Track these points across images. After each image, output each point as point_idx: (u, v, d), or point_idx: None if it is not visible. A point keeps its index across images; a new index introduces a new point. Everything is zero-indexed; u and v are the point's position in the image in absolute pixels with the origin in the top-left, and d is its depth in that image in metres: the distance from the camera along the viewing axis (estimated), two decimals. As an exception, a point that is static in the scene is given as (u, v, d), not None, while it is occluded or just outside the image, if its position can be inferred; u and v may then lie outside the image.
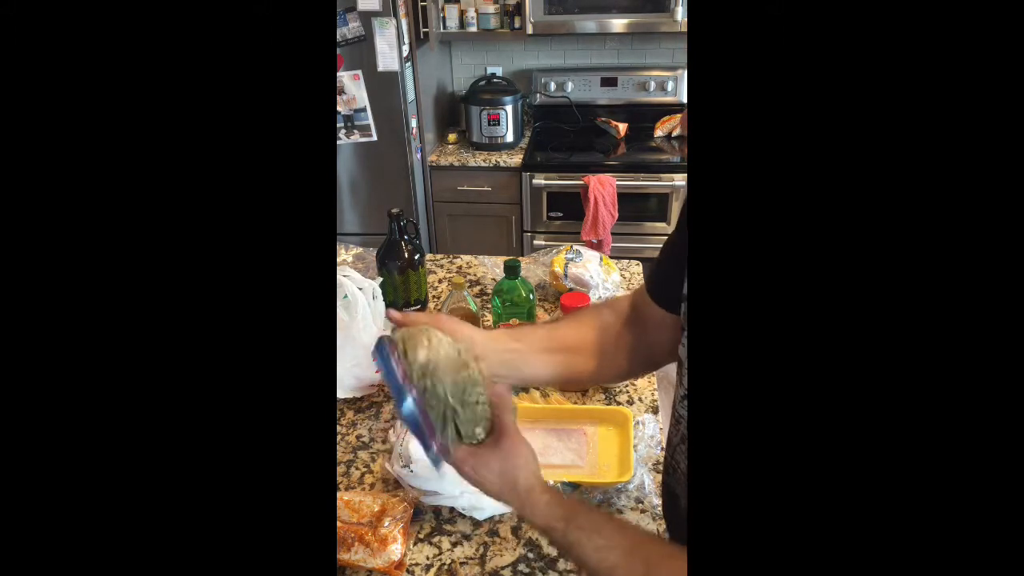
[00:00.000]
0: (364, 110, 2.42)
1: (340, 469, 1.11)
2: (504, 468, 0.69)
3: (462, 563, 0.94)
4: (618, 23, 2.55)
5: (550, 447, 1.12)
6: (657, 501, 1.01)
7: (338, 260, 1.68)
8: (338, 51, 2.33)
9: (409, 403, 0.65)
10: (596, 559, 0.63)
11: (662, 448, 1.11)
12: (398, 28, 2.30)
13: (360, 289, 1.30)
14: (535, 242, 2.71)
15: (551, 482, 0.80)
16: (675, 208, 2.56)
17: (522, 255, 2.27)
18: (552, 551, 0.94)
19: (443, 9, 2.65)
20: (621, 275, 1.62)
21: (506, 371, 0.78)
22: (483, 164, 2.64)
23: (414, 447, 1.01)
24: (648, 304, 0.81)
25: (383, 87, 2.38)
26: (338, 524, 0.94)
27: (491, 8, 2.65)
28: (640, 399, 1.24)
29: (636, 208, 2.58)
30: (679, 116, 2.77)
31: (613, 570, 0.63)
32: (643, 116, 2.85)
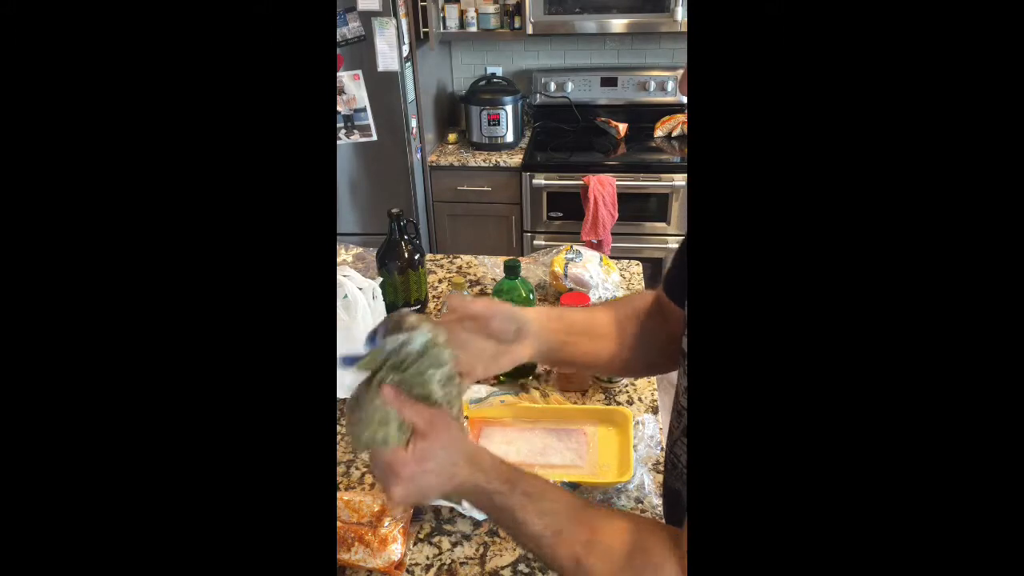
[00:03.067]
0: (364, 110, 2.42)
1: (340, 469, 1.11)
2: (445, 444, 0.64)
3: (462, 563, 0.94)
4: (618, 23, 2.55)
5: (550, 447, 1.12)
6: (657, 501, 1.01)
7: (338, 260, 1.68)
8: (338, 51, 2.33)
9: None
10: (541, 524, 0.62)
11: (662, 448, 1.11)
12: (398, 28, 2.30)
13: (360, 289, 1.30)
14: (535, 242, 2.71)
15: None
16: (675, 208, 2.56)
17: (522, 255, 2.27)
18: (552, 551, 0.94)
19: (443, 9, 2.65)
20: (621, 275, 1.62)
21: (555, 354, 0.80)
22: (483, 164, 2.64)
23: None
24: (667, 301, 0.83)
25: (383, 87, 2.38)
26: (338, 524, 0.94)
27: (491, 8, 2.65)
28: (640, 399, 1.24)
29: (636, 208, 2.58)
30: (679, 116, 2.77)
31: (558, 535, 0.61)
32: (643, 116, 2.85)
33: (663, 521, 0.87)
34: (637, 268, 1.69)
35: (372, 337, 0.67)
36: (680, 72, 2.80)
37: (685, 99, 2.82)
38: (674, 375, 0.76)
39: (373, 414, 0.64)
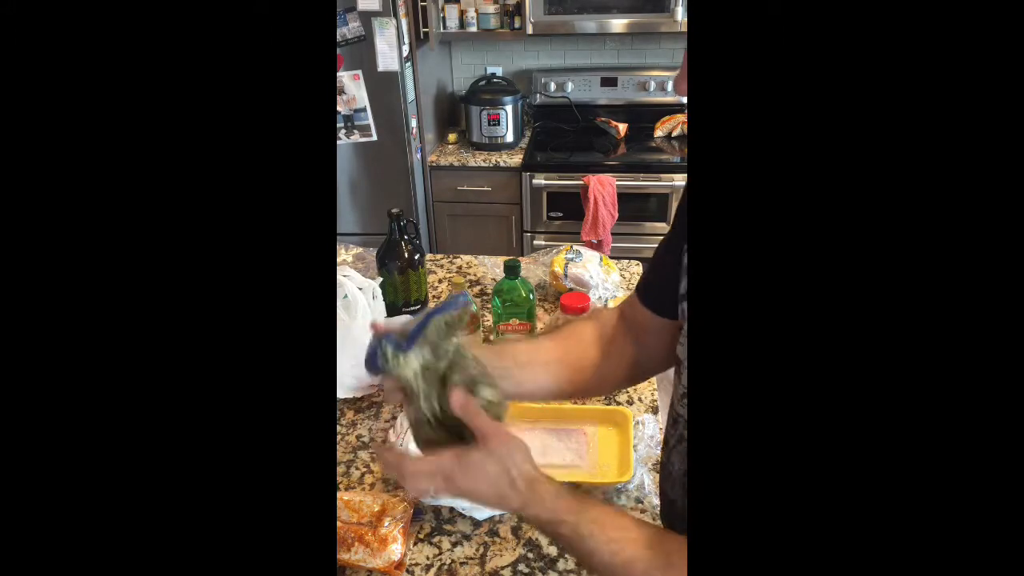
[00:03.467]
0: (364, 110, 2.42)
1: (340, 469, 1.11)
2: (499, 466, 0.63)
3: (462, 563, 0.94)
4: (618, 23, 2.55)
5: (550, 447, 1.12)
6: (657, 501, 1.01)
7: (338, 260, 1.68)
8: (338, 51, 2.33)
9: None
10: (610, 552, 0.60)
11: (662, 448, 1.11)
12: (398, 28, 2.30)
13: (360, 289, 1.30)
14: (535, 242, 2.71)
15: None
16: (675, 208, 2.56)
17: (522, 255, 2.27)
18: (552, 551, 0.94)
19: (443, 9, 2.65)
20: (621, 275, 1.62)
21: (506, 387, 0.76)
22: (483, 164, 2.64)
23: (414, 447, 1.01)
24: (638, 311, 0.80)
25: (383, 87, 2.38)
26: (338, 524, 0.94)
27: (491, 8, 2.65)
28: (640, 399, 1.24)
29: (636, 208, 2.58)
30: (679, 116, 2.77)
31: (630, 564, 0.60)
32: (643, 116, 2.84)
33: (660, 520, 0.87)
34: (637, 268, 1.69)
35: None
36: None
37: (684, 98, 2.81)
38: (673, 375, 0.75)
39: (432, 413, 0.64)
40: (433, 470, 0.63)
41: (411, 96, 2.48)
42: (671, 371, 0.76)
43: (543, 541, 0.96)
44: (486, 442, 0.64)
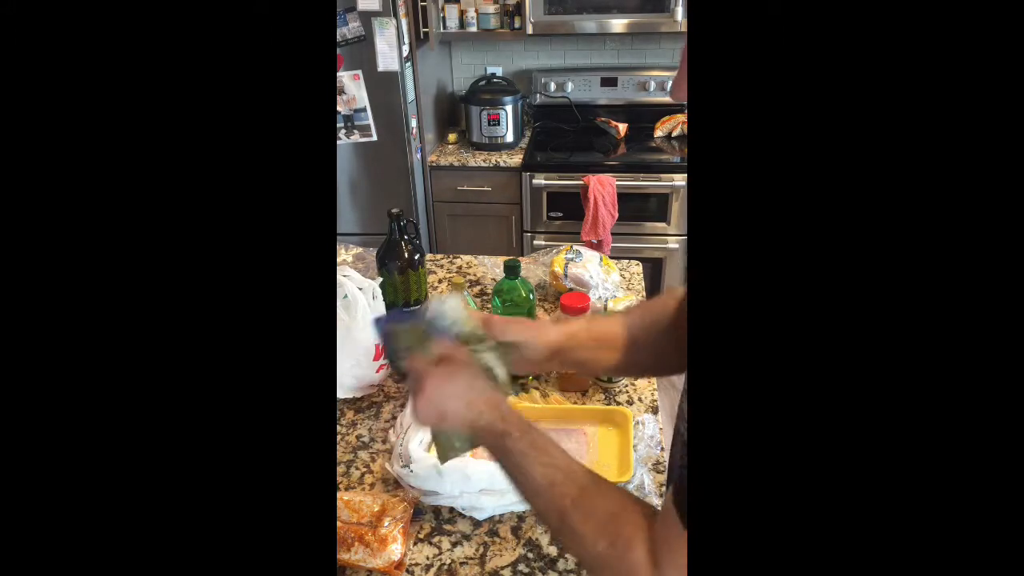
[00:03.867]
0: (364, 110, 2.42)
1: (340, 469, 1.11)
2: (471, 375, 0.73)
3: (462, 563, 0.94)
4: (618, 23, 2.55)
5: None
6: (657, 501, 1.01)
7: (338, 260, 1.68)
8: (338, 51, 2.33)
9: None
10: (540, 474, 0.66)
11: (662, 448, 1.11)
12: (398, 28, 2.30)
13: (360, 289, 1.30)
14: (535, 242, 2.71)
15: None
16: (675, 208, 2.56)
17: (522, 255, 2.27)
18: (552, 551, 0.94)
19: (443, 9, 2.65)
20: (621, 275, 1.62)
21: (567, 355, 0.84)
22: (483, 164, 2.64)
23: (414, 447, 1.01)
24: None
25: (383, 87, 2.38)
26: (338, 524, 0.94)
27: (491, 8, 2.65)
28: (640, 399, 1.24)
29: (636, 208, 2.58)
30: (679, 116, 2.77)
31: (552, 487, 0.65)
32: (643, 116, 2.84)
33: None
34: (637, 268, 1.69)
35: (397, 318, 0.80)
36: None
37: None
38: (675, 375, 0.76)
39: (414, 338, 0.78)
40: (417, 374, 0.73)
41: (411, 96, 2.48)
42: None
43: (543, 541, 0.96)
44: (456, 358, 0.75)
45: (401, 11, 2.32)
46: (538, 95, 2.92)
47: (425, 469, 0.98)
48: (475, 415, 0.71)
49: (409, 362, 0.76)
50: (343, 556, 0.91)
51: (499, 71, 2.98)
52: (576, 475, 0.66)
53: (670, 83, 2.77)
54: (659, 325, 0.85)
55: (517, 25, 2.64)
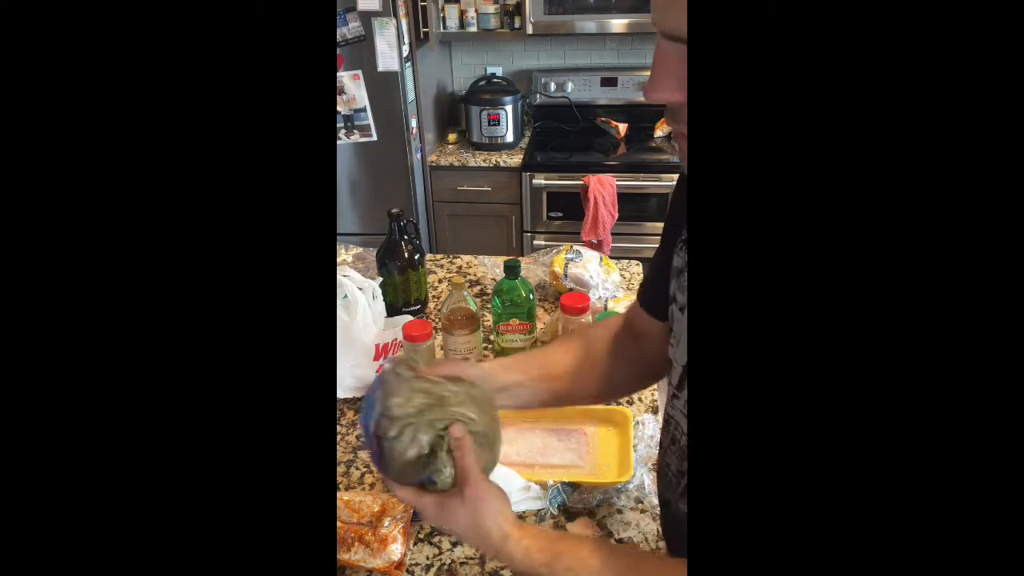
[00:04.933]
0: (364, 110, 2.42)
1: (340, 469, 1.11)
2: (473, 520, 0.66)
3: (462, 563, 0.94)
4: (618, 23, 2.55)
5: (550, 447, 1.12)
6: (657, 501, 1.01)
7: (338, 260, 1.68)
8: (338, 51, 2.33)
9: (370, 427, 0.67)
10: None
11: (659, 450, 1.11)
12: (398, 28, 2.30)
13: (360, 289, 1.30)
14: (535, 242, 2.71)
15: (533, 515, 0.80)
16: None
17: (522, 255, 2.27)
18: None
19: (443, 9, 2.65)
20: (621, 275, 1.62)
21: (505, 399, 0.78)
22: (483, 164, 2.64)
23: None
24: (640, 316, 0.81)
25: (383, 87, 2.38)
26: (338, 524, 0.94)
27: (491, 8, 2.65)
28: (640, 399, 1.24)
29: (636, 208, 2.58)
30: (679, 116, 2.76)
31: None
32: (643, 116, 2.84)
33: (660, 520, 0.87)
34: (637, 268, 1.69)
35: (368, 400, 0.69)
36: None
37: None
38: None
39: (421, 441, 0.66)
40: (415, 504, 0.68)
41: (411, 96, 2.48)
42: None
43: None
44: (463, 489, 0.66)
45: (401, 11, 2.32)
46: (538, 95, 2.92)
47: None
48: (491, 555, 0.66)
49: (400, 493, 0.69)
50: (343, 556, 0.91)
51: (499, 71, 2.98)
52: (634, 568, 0.62)
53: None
54: (608, 347, 0.83)
55: (517, 25, 2.64)
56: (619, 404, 1.22)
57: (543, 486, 1.02)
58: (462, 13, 2.67)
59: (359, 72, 2.36)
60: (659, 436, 1.12)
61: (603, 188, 2.49)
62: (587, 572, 0.62)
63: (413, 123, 2.51)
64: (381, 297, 1.38)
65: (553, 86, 2.88)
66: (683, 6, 0.46)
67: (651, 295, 0.79)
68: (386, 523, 0.93)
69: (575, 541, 0.67)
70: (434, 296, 1.59)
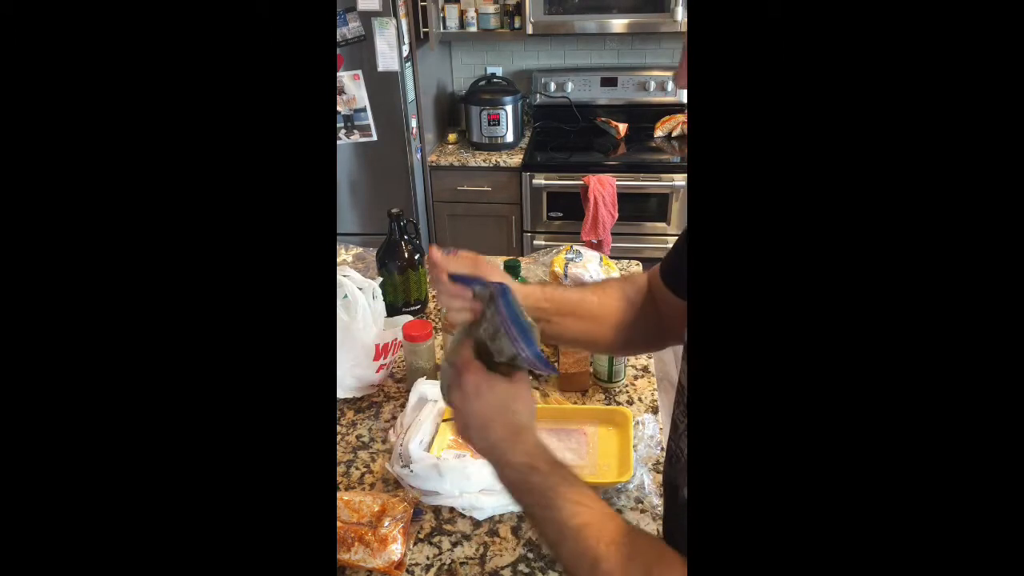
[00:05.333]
0: (364, 110, 2.42)
1: (340, 469, 1.11)
2: (508, 399, 0.68)
3: (462, 563, 0.94)
4: (618, 23, 2.55)
5: (550, 447, 1.12)
6: (657, 501, 1.01)
7: (338, 260, 1.68)
8: (338, 51, 2.33)
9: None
10: (569, 511, 0.60)
11: (662, 448, 1.11)
12: (398, 28, 2.30)
13: (360, 289, 1.30)
14: (535, 242, 2.71)
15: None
16: (675, 208, 2.56)
17: (522, 255, 2.27)
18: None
19: (443, 9, 2.65)
20: (621, 275, 1.62)
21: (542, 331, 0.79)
22: (483, 164, 2.64)
23: (414, 447, 1.01)
24: (660, 287, 0.83)
25: (383, 87, 2.38)
26: (338, 524, 0.94)
27: (491, 8, 2.65)
28: (640, 399, 1.24)
29: (636, 208, 2.58)
30: (679, 116, 2.77)
31: (582, 528, 0.60)
32: (643, 116, 2.84)
33: (663, 522, 0.87)
34: (637, 268, 1.69)
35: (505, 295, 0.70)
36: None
37: (684, 97, 2.83)
38: (674, 374, 0.76)
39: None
40: (459, 367, 0.68)
41: (411, 96, 2.48)
42: (672, 372, 0.77)
43: (543, 542, 0.96)
44: (509, 378, 0.69)
45: (401, 11, 2.32)
46: (538, 95, 2.92)
47: (425, 469, 0.98)
48: (499, 438, 0.66)
49: (456, 354, 0.70)
50: (343, 556, 0.91)
51: (499, 71, 2.98)
52: (613, 520, 0.61)
53: (670, 82, 2.78)
54: (634, 301, 0.85)
55: (517, 25, 2.64)
56: (619, 404, 1.22)
57: (543, 486, 1.02)
58: (462, 13, 2.67)
59: (359, 72, 2.36)
60: (659, 436, 1.13)
61: (603, 188, 2.49)
62: (576, 491, 0.62)
63: (413, 123, 2.51)
64: (381, 297, 1.38)
65: (553, 86, 2.88)
66: None
67: (674, 271, 0.81)
68: (386, 523, 0.93)
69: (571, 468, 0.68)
70: (434, 296, 1.59)
